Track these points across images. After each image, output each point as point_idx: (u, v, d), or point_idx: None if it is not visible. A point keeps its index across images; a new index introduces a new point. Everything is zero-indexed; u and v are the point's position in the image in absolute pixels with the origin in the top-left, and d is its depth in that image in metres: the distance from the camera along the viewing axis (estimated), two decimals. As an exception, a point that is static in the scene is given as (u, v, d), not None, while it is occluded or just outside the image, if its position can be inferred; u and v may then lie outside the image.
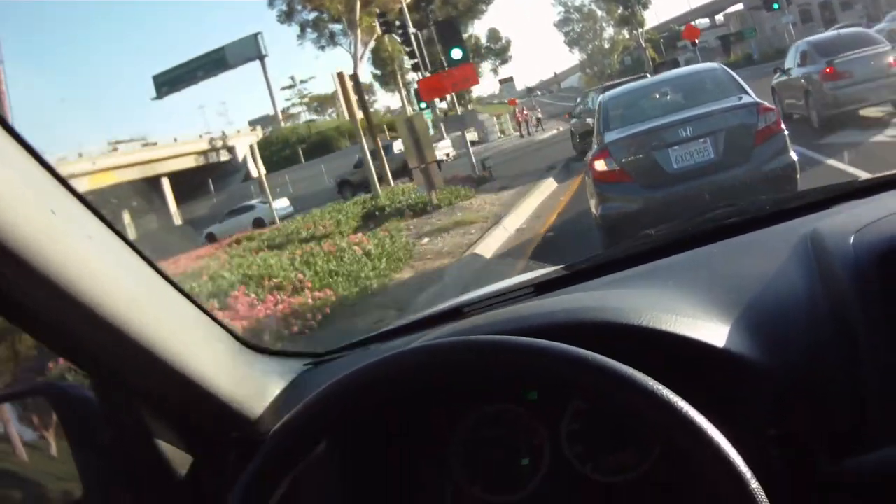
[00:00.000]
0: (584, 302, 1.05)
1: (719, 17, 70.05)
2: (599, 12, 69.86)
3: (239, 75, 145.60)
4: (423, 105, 31.28)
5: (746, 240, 1.21)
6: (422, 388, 0.88)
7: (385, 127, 45.01)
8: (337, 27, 47.43)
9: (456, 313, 1.32)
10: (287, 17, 51.28)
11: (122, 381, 1.04)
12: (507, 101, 46.15)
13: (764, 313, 0.94)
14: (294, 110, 60.48)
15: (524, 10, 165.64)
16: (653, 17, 73.33)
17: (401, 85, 56.57)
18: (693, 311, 0.94)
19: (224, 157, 48.10)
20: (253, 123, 61.67)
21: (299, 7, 49.29)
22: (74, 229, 0.90)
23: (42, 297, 0.87)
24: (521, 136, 40.25)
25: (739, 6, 63.13)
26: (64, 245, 0.86)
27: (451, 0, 56.62)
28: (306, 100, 59.74)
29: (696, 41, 37.16)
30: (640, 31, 64.95)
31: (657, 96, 7.52)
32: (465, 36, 63.86)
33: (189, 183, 43.94)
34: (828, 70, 11.11)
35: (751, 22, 53.01)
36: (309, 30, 49.76)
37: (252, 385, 1.17)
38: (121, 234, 0.98)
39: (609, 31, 71.79)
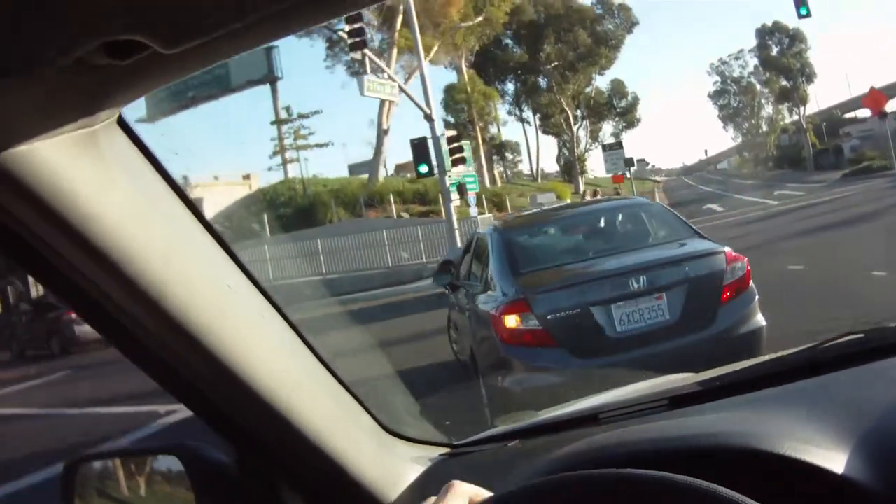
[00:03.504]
0: (725, 426, 1.24)
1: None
2: (758, 86, 69.59)
3: (247, 101, 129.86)
4: (424, 169, 24.51)
5: (874, 368, 1.40)
6: None
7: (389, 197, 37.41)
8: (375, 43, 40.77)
9: (591, 419, 1.56)
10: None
11: (262, 451, 1.23)
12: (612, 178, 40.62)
13: (888, 443, 1.09)
14: (289, 155, 47.86)
15: (674, 75, 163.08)
16: (813, 104, 72.78)
17: (479, 139, 49.21)
18: (822, 440, 1.11)
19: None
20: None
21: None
22: (247, 307, 1.11)
23: (202, 368, 1.05)
24: None
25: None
26: (235, 321, 1.06)
27: (567, 38, 53.19)
28: (304, 141, 47.21)
29: (884, 110, 34.94)
30: (801, 108, 64.18)
31: (585, 232, 7.17)
32: (587, 89, 61.78)
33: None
34: None
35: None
36: (342, 49, 40.70)
37: (388, 469, 1.39)
38: (283, 313, 1.18)
39: (767, 109, 71.74)
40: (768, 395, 1.38)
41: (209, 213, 38.41)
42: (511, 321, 5.67)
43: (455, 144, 25.38)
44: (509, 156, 62.86)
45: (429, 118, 25.54)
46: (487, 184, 46.09)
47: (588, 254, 6.59)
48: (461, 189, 25.91)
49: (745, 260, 6.15)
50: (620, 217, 7.37)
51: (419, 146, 24.35)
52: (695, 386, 1.57)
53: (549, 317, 5.63)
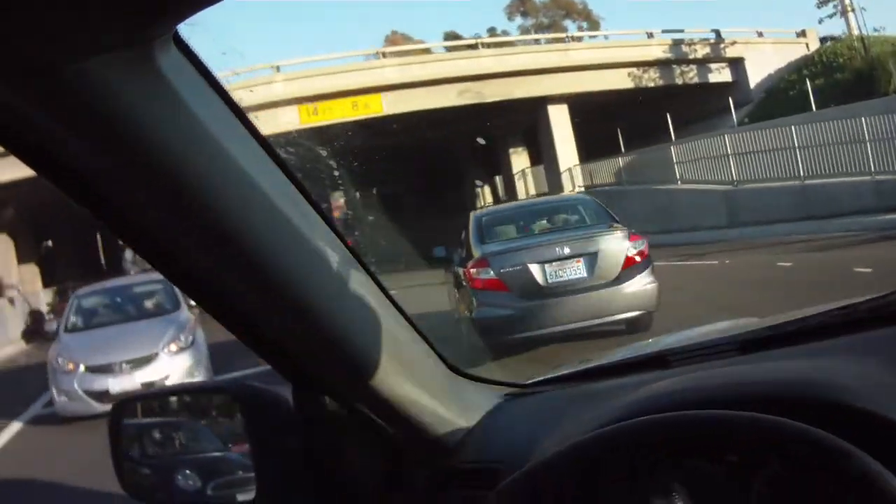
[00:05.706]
0: (801, 373, 1.22)
1: None
2: None
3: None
4: None
5: None
6: (643, 458, 1.09)
7: None
8: None
9: (661, 361, 1.55)
10: None
11: (323, 390, 1.29)
12: None
13: None
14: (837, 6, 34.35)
15: None
16: None
17: None
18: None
19: (717, 76, 33.55)
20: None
21: None
22: (311, 235, 1.11)
23: (260, 298, 1.08)
24: None
25: None
26: (298, 249, 1.08)
27: None
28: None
29: None
30: None
31: (535, 217, 10.50)
32: None
33: (611, 115, 29.82)
34: None
35: None
36: None
37: (452, 410, 1.44)
38: (349, 246, 1.22)
39: None
40: (840, 343, 1.34)
41: (753, 78, 35.74)
42: (476, 272, 9.09)
43: None
44: None
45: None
46: None
47: (535, 231, 10.05)
48: None
49: (645, 239, 9.23)
50: (561, 207, 11.25)
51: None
52: (766, 331, 1.55)
53: (501, 270, 8.96)
